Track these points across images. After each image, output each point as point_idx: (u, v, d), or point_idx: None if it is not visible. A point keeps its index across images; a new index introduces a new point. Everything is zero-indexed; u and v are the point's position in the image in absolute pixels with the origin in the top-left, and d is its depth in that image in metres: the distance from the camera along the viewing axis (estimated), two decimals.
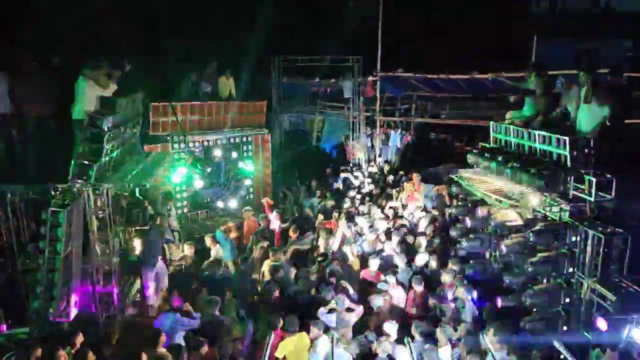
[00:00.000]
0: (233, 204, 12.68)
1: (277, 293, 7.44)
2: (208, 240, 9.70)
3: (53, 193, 6.89)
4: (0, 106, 7.98)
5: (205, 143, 12.32)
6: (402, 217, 11.05)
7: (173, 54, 13.11)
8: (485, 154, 7.81)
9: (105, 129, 7.13)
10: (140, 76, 8.99)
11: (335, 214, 10.50)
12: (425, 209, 11.23)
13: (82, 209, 7.29)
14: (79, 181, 7.09)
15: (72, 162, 7.10)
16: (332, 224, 10.23)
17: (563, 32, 17.78)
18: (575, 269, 6.16)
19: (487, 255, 7.83)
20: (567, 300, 6.28)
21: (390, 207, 11.53)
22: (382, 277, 8.04)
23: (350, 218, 10.53)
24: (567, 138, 6.35)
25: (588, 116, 6.58)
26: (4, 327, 6.85)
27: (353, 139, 16.82)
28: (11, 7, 10.72)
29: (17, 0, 10.88)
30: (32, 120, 8.01)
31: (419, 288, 7.64)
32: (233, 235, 10.83)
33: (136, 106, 9.03)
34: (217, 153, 12.78)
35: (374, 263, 8.46)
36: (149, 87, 9.64)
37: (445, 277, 7.76)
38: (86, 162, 7.10)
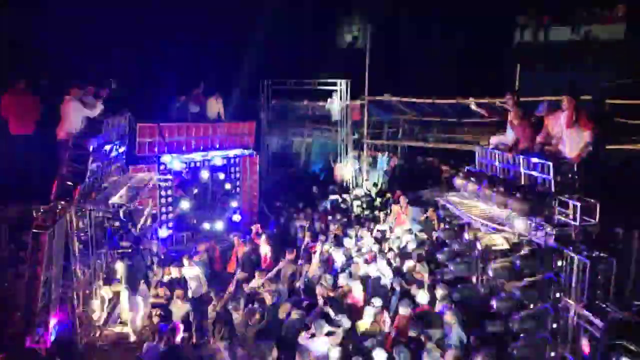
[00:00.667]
0: (219, 225, 12.55)
1: (257, 317, 7.31)
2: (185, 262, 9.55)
3: (35, 214, 6.76)
4: None
5: (192, 164, 12.25)
6: (389, 239, 11.03)
7: (162, 75, 13.14)
8: (471, 178, 7.88)
9: (90, 149, 7.07)
10: (127, 97, 8.99)
11: (322, 237, 10.44)
12: (412, 232, 11.22)
13: (64, 231, 7.15)
14: (62, 202, 6.96)
15: (56, 182, 7.00)
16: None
17: (545, 60, 18.28)
18: (562, 294, 6.17)
19: (474, 279, 7.82)
20: (555, 325, 6.27)
21: (378, 230, 11.51)
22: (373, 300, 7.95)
23: (338, 241, 10.47)
24: (550, 163, 6.44)
25: (571, 141, 6.70)
26: None
27: (340, 162, 16.89)
28: None
29: (5, 23, 10.88)
30: (16, 139, 7.91)
31: (405, 311, 7.55)
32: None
33: (122, 127, 8.99)
34: (204, 174, 12.70)
35: (357, 287, 8.40)
36: (136, 107, 9.61)
37: (421, 299, 7.74)
38: (70, 183, 7.00)
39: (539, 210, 6.43)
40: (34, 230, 6.32)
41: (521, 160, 7.04)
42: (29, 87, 8.09)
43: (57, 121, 7.59)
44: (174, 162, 11.47)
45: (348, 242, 10.43)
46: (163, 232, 11.41)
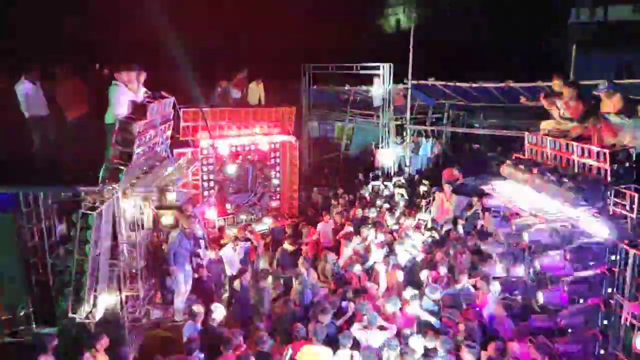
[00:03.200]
0: (260, 209, 12.69)
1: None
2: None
3: (84, 195, 7.02)
4: (40, 110, 8.27)
5: (234, 149, 12.40)
6: (432, 229, 10.81)
7: (204, 61, 13.31)
8: (520, 166, 7.53)
9: (136, 133, 7.22)
10: (171, 81, 9.14)
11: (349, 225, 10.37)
12: (455, 222, 10.95)
13: (112, 212, 7.39)
14: (110, 184, 7.19)
15: (104, 165, 7.22)
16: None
17: (602, 42, 17.19)
18: (615, 290, 5.82)
19: (521, 272, 7.52)
20: (605, 322, 5.95)
21: (420, 219, 11.29)
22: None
23: (378, 228, 10.36)
24: (606, 150, 6.04)
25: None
26: (34, 326, 6.99)
27: (382, 147, 16.63)
28: (49, 20, 11.20)
29: (55, 15, 11.36)
30: (68, 123, 8.22)
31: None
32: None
33: (167, 111, 9.15)
34: (245, 159, 12.84)
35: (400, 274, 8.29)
36: (180, 92, 9.76)
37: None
38: (117, 166, 7.20)
39: (592, 201, 6.06)
40: (83, 211, 6.57)
41: (574, 147, 6.65)
42: (76, 71, 8.37)
43: (104, 106, 7.81)
44: (221, 146, 11.67)
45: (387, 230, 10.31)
46: (210, 214, 11.58)
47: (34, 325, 6.99)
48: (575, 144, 6.67)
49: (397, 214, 11.64)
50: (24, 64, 8.19)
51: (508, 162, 8.02)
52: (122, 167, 7.19)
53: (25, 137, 8.40)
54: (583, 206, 6.12)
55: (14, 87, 8.15)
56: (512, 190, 7.67)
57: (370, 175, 15.36)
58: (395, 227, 10.80)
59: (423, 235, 10.26)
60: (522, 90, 13.03)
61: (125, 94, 7.66)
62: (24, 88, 8.12)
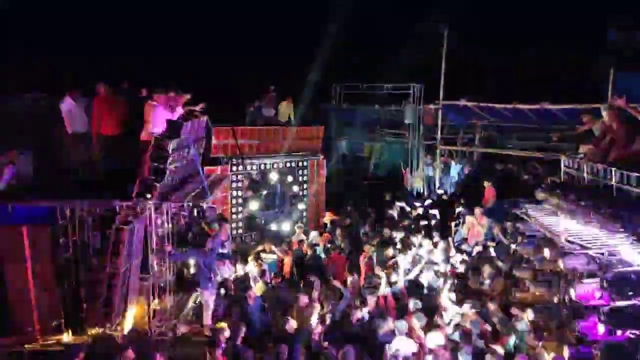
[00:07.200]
0: (286, 227, 12.70)
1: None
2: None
3: (118, 210, 7.20)
4: (80, 126, 8.61)
5: (263, 166, 12.54)
6: (462, 252, 10.57)
7: (237, 80, 13.63)
8: (556, 190, 7.30)
9: (170, 150, 7.40)
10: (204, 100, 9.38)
11: (371, 244, 10.25)
12: (486, 245, 10.66)
13: (144, 226, 7.55)
14: (143, 199, 7.35)
15: (138, 180, 7.40)
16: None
17: None
18: None
19: (555, 299, 7.23)
20: None
21: (450, 241, 11.04)
22: None
23: (404, 248, 10.22)
24: None
25: None
26: (64, 336, 7.13)
27: (411, 167, 16.46)
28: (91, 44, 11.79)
29: (97, 39, 11.95)
30: (103, 139, 8.51)
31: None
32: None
33: (201, 129, 9.37)
34: (274, 177, 12.95)
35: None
36: (212, 111, 9.98)
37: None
38: (150, 182, 7.37)
39: (632, 228, 5.81)
40: (117, 225, 6.74)
41: (613, 172, 6.42)
42: (116, 93, 8.71)
43: (140, 123, 8.06)
44: (250, 163, 11.88)
45: (414, 251, 10.16)
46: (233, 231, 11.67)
47: (64, 336, 7.13)
48: (613, 169, 6.44)
49: (421, 236, 11.35)
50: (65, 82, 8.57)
51: (543, 185, 7.80)
52: (155, 183, 7.35)
53: (65, 152, 8.74)
54: (621, 233, 5.88)
55: (58, 104, 8.56)
56: (547, 215, 7.44)
57: (397, 194, 15.17)
58: (423, 248, 10.59)
59: (452, 257, 10.04)
60: (558, 112, 12.73)
61: (161, 112, 7.89)
62: (66, 105, 8.49)
